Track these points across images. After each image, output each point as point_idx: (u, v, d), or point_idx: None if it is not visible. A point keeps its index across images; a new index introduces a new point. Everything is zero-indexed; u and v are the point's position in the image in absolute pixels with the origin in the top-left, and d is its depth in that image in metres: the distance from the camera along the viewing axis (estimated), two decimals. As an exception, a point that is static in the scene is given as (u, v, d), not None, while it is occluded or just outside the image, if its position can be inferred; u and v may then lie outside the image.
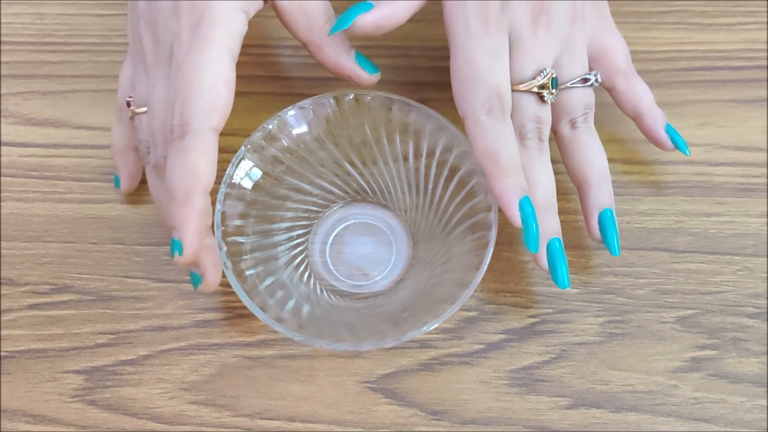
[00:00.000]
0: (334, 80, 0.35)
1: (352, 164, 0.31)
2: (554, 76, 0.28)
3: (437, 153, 0.30)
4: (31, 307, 0.31)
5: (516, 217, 0.26)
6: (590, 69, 0.30)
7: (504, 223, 0.32)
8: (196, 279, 0.28)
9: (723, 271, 0.30)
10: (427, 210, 0.30)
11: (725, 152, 0.33)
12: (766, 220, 0.31)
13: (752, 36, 0.36)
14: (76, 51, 0.36)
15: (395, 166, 0.31)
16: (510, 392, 0.29)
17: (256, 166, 0.29)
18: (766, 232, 0.31)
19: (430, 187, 0.30)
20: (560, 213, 0.31)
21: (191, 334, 0.30)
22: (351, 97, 0.29)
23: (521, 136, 0.28)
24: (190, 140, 0.25)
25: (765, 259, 0.31)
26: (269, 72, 0.35)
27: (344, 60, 0.29)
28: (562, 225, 0.28)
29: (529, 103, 0.28)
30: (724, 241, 0.31)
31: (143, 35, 0.27)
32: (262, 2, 0.28)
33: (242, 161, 0.28)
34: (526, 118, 0.28)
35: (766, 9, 0.36)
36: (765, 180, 0.32)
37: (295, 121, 0.29)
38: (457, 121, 0.28)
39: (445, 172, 0.29)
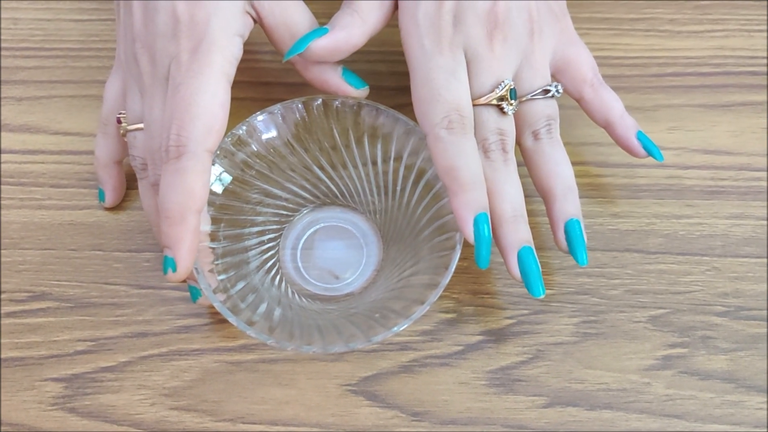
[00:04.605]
0: (311, 86, 0.35)
1: (322, 168, 0.31)
2: (512, 87, 0.28)
3: (405, 156, 0.30)
4: (9, 315, 0.30)
5: (469, 233, 0.26)
6: (555, 81, 0.30)
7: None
8: (195, 293, 0.29)
9: (693, 271, 0.31)
10: (396, 212, 0.31)
11: (695, 156, 0.34)
12: (733, 221, 0.32)
13: (720, 43, 0.37)
14: (53, 56, 0.36)
15: (364, 169, 0.31)
16: (488, 392, 0.29)
17: (226, 171, 0.29)
18: (733, 233, 0.32)
19: (398, 189, 0.31)
20: (530, 216, 0.32)
21: (172, 340, 0.30)
22: (319, 102, 0.30)
23: (485, 149, 0.28)
24: (186, 161, 0.25)
25: (732, 260, 0.32)
26: (248, 77, 0.36)
27: (330, 76, 0.29)
28: (533, 228, 0.28)
29: (490, 116, 0.28)
30: (694, 243, 0.32)
31: (140, 56, 0.27)
32: (253, 22, 0.29)
33: (212, 167, 0.29)
34: (488, 131, 0.28)
35: (732, 17, 0.37)
36: (732, 182, 0.33)
37: (264, 126, 0.30)
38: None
39: (413, 175, 0.30)
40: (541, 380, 0.29)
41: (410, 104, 0.34)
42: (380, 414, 0.29)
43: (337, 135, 0.30)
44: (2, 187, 0.33)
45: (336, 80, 0.29)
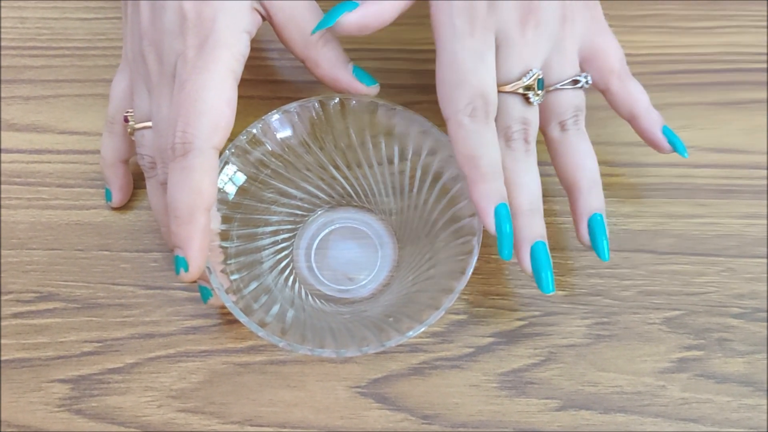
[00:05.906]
0: (321, 84, 0.35)
1: (337, 168, 0.31)
2: (540, 77, 0.27)
3: (421, 157, 0.30)
4: (15, 315, 0.30)
5: (490, 224, 0.26)
6: (582, 71, 0.29)
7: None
8: (205, 293, 0.28)
9: (707, 272, 0.31)
10: (412, 213, 0.30)
11: (707, 154, 0.34)
12: (748, 221, 0.32)
13: (731, 39, 0.36)
14: (59, 56, 0.36)
15: (380, 169, 0.31)
16: (500, 395, 0.29)
17: (241, 170, 0.29)
18: (748, 233, 0.32)
19: (414, 191, 0.30)
20: (545, 215, 0.32)
21: (179, 341, 0.30)
22: (336, 101, 0.29)
23: (507, 138, 0.27)
24: (193, 159, 0.25)
25: (747, 260, 0.31)
26: (256, 75, 0.35)
27: (341, 74, 0.29)
28: (547, 227, 0.28)
29: (515, 104, 0.27)
30: (707, 243, 0.31)
31: (147, 54, 0.27)
32: (261, 20, 0.28)
33: (226, 165, 0.28)
34: (512, 120, 0.28)
35: (744, 12, 0.37)
36: (746, 181, 0.33)
37: (280, 125, 0.29)
38: (442, 124, 0.28)
39: (429, 176, 0.30)
40: (554, 383, 0.29)
41: (423, 102, 0.34)
42: (390, 417, 0.28)
43: (353, 134, 0.30)
44: (9, 187, 0.33)
45: (347, 78, 0.29)
